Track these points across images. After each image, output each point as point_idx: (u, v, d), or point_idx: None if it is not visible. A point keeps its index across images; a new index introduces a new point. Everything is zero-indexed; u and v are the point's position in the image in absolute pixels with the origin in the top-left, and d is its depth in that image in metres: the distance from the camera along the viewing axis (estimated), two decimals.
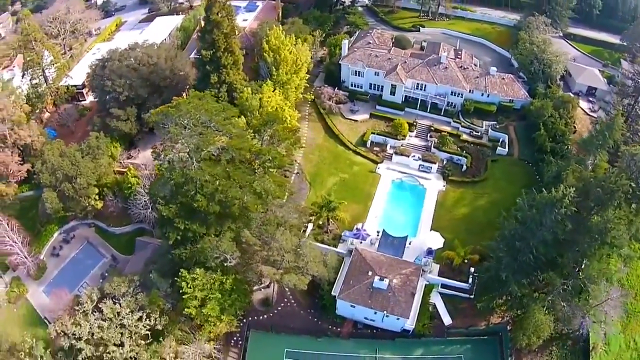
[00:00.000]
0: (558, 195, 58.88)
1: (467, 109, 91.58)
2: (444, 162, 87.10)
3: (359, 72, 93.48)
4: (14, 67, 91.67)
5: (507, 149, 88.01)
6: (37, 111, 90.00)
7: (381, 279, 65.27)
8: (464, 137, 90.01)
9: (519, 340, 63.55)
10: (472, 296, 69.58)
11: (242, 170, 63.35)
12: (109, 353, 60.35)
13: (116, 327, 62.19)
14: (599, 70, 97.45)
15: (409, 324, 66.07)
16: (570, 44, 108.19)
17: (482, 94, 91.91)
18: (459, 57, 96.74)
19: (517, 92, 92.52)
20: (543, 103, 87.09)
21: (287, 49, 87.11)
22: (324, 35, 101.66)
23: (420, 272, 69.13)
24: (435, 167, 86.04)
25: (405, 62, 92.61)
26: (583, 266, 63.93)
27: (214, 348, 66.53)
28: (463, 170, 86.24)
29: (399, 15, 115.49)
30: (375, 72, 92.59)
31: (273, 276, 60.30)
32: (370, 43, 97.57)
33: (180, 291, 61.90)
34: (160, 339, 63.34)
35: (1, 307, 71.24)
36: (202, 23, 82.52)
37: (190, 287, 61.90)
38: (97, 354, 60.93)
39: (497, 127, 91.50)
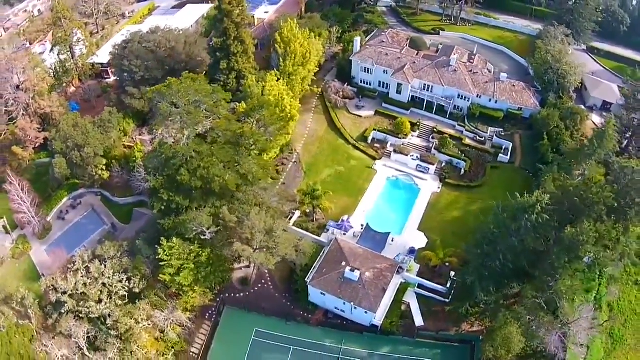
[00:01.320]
0: (531, 201, 57.82)
1: (473, 114, 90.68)
2: (443, 164, 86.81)
3: (368, 69, 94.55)
4: (45, 42, 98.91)
5: (509, 157, 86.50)
6: (64, 85, 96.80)
7: (352, 270, 66.24)
8: (467, 141, 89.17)
9: (486, 352, 62.03)
10: (448, 300, 69.04)
11: (226, 150, 66.14)
12: (87, 307, 64.59)
13: (98, 285, 66.53)
14: (619, 86, 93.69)
15: (377, 318, 66.71)
16: (593, 57, 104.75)
17: (490, 100, 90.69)
18: (472, 61, 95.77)
19: (526, 100, 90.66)
20: (549, 112, 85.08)
21: (299, 42, 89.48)
22: (341, 31, 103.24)
23: (395, 269, 69.48)
24: (433, 168, 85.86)
25: (415, 62, 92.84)
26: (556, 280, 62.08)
27: (189, 319, 69.93)
28: (461, 174, 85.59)
29: (421, 17, 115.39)
30: (384, 71, 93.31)
31: (243, 253, 62.69)
32: (383, 42, 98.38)
33: (157, 257, 65.48)
34: (137, 301, 67.19)
35: (5, 262, 77.20)
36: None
37: (167, 255, 65.31)
38: (79, 308, 65.43)
39: (503, 134, 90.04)
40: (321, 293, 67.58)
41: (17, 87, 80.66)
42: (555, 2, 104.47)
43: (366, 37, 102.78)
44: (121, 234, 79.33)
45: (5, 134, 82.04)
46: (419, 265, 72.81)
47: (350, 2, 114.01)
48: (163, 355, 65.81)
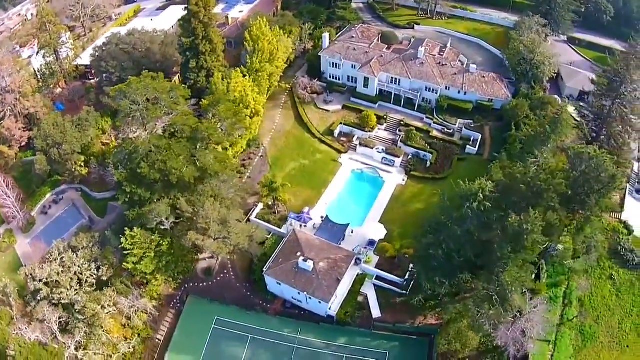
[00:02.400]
0: (474, 189, 58.23)
1: (442, 106, 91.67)
2: (409, 157, 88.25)
3: (336, 64, 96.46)
4: (34, 45, 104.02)
5: (476, 148, 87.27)
6: (51, 86, 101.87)
7: (305, 260, 68.54)
8: (434, 133, 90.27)
9: (440, 345, 62.32)
10: (406, 292, 69.84)
11: (183, 144, 69.52)
12: (59, 294, 68.95)
13: (70, 274, 70.80)
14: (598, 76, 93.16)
15: (332, 309, 68.82)
16: (573, 48, 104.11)
17: (459, 92, 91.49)
18: (442, 54, 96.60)
19: (497, 91, 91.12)
20: (518, 103, 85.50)
21: (267, 40, 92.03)
22: (313, 28, 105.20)
23: (351, 260, 71.36)
24: (398, 161, 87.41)
25: (382, 56, 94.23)
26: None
27: (154, 307, 73.78)
28: (427, 166, 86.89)
29: (397, 12, 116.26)
30: (352, 65, 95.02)
31: (196, 241, 66.02)
32: (353, 37, 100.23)
33: (120, 246, 69.48)
34: (104, 288, 71.33)
35: None
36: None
37: (130, 244, 69.20)
38: (52, 295, 69.86)
39: (472, 125, 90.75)
40: (277, 283, 70.30)
41: (3, 89, 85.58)
42: None
43: (338, 33, 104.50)
44: (97, 227, 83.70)
45: None
46: (378, 257, 74.55)
47: None
48: (126, 340, 69.64)
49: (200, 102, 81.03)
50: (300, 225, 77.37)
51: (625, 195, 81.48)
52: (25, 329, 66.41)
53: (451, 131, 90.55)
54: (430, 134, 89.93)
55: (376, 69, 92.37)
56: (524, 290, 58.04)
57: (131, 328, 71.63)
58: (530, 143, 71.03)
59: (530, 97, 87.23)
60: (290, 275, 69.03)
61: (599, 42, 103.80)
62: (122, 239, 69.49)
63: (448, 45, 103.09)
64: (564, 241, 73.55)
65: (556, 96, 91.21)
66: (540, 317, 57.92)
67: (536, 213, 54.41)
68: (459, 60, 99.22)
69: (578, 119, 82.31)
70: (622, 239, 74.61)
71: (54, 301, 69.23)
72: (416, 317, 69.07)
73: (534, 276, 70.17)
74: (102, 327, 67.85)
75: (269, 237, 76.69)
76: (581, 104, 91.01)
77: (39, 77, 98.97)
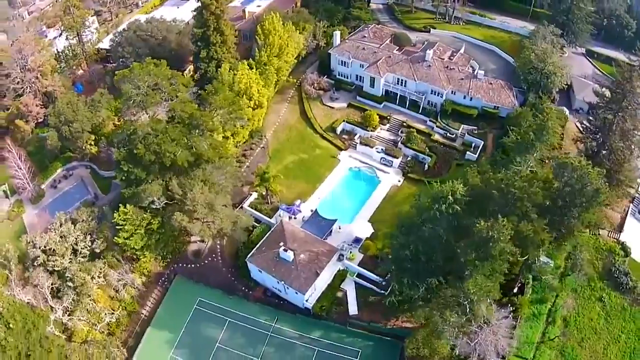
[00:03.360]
0: (445, 190, 57.81)
1: (446, 110, 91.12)
2: (408, 159, 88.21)
3: (345, 62, 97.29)
4: (60, 27, 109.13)
5: (477, 155, 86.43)
6: (73, 67, 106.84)
7: (286, 250, 69.73)
8: (436, 137, 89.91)
9: (408, 350, 60.96)
10: (384, 292, 69.27)
11: (178, 129, 71.98)
12: (54, 261, 72.52)
13: (66, 243, 74.32)
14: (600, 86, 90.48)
15: (309, 301, 69.59)
16: (590, 61, 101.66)
17: (465, 97, 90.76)
18: (451, 58, 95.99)
19: (504, 99, 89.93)
20: (522, 112, 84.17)
21: (278, 34, 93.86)
22: (328, 26, 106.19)
23: (333, 255, 72.07)
24: (397, 162, 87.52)
25: (390, 56, 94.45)
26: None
27: (143, 283, 76.70)
28: (425, 169, 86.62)
29: (415, 15, 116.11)
30: (361, 64, 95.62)
31: (181, 222, 68.30)
32: (365, 37, 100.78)
33: (112, 221, 72.60)
34: (96, 260, 74.64)
35: (2, 222, 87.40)
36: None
37: (122, 220, 72.19)
38: (48, 262, 73.54)
39: (476, 132, 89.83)
40: (259, 270, 71.81)
41: (24, 67, 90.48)
42: (550, 1, 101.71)
43: (351, 32, 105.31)
44: (100, 203, 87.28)
45: (11, 108, 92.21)
46: (362, 255, 74.91)
47: None
48: (113, 311, 72.56)
49: (200, 91, 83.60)
50: (290, 217, 78.68)
51: (626, 215, 79.43)
52: (19, 291, 70.24)
53: (453, 136, 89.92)
54: (432, 138, 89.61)
55: (383, 69, 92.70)
56: (490, 301, 56.03)
57: (118, 300, 74.68)
58: (515, 150, 68.95)
59: (536, 107, 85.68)
60: (271, 264, 70.37)
61: (618, 57, 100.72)
62: (115, 215, 72.58)
63: (461, 50, 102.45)
64: (554, 256, 72.41)
65: (564, 108, 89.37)
66: (506, 330, 56.09)
67: (504, 221, 52.83)
68: (470, 66, 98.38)
69: (581, 133, 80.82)
70: (618, 260, 72.49)
71: (49, 268, 72.69)
72: (390, 319, 68.78)
73: (516, 289, 69.56)
74: (89, 296, 71.01)
75: (258, 226, 78.35)
76: (589, 116, 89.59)
77: (61, 57, 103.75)
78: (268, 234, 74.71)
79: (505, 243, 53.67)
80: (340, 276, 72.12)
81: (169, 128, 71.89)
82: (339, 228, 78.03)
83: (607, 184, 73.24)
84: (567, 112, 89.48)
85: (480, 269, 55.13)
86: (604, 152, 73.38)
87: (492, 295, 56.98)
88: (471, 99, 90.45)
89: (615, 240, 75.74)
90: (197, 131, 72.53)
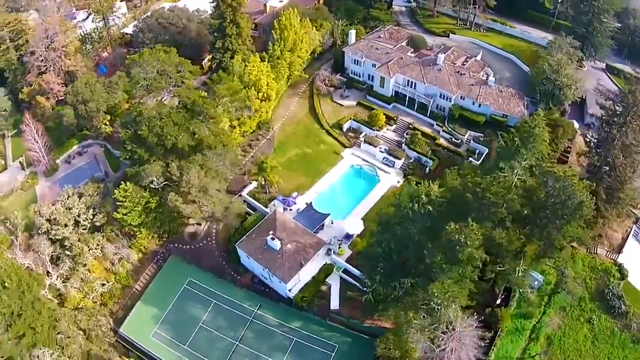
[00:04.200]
0: (420, 190, 57.42)
1: (453, 115, 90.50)
2: (410, 161, 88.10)
3: (358, 61, 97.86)
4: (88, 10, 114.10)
5: (480, 162, 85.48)
6: (99, 50, 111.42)
7: (273, 239, 70.91)
8: (441, 141, 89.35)
9: (379, 349, 59.29)
10: (368, 289, 67.35)
11: (181, 114, 74.33)
12: (56, 230, 75.97)
13: (69, 215, 77.71)
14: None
15: (291, 291, 70.49)
16: (610, 77, 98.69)
17: (474, 103, 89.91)
18: (464, 64, 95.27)
19: (513, 107, 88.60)
20: (527, 120, 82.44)
21: (293, 30, 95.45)
22: (346, 25, 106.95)
23: (320, 248, 72.63)
24: (399, 163, 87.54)
25: (402, 58, 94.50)
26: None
27: (138, 259, 79.44)
28: (426, 172, 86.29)
29: (436, 20, 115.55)
30: (373, 64, 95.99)
31: (175, 202, 70.53)
32: (380, 37, 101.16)
33: (112, 197, 75.54)
34: (96, 233, 77.77)
35: (15, 192, 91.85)
36: None
37: (122, 197, 75.03)
38: (51, 230, 77.08)
39: (482, 139, 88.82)
40: (247, 257, 73.30)
41: (48, 46, 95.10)
42: (573, 13, 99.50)
43: (369, 32, 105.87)
44: (108, 180, 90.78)
45: (34, 85, 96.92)
46: (351, 251, 75.27)
47: None
48: (106, 282, 75.48)
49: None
50: (285, 209, 79.89)
51: (628, 236, 76.70)
52: (21, 255, 73.92)
53: (459, 141, 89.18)
54: (437, 141, 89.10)
55: (393, 69, 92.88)
56: (456, 307, 54.13)
57: (113, 273, 77.61)
58: (501, 156, 64.60)
59: (544, 118, 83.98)
60: (258, 251, 71.69)
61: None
62: (115, 191, 75.46)
63: (478, 57, 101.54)
64: (546, 271, 70.25)
65: (574, 121, 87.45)
66: (474, 340, 54.55)
67: (472, 225, 51.48)
68: (485, 73, 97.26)
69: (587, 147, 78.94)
70: (612, 282, 70.11)
71: (51, 237, 76.26)
72: (369, 317, 68.57)
73: (499, 301, 68.23)
74: (84, 265, 74.16)
75: (253, 214, 79.92)
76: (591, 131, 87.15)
77: (87, 39, 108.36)
78: (261, 222, 76.14)
79: (474, 248, 51.98)
80: (326, 270, 72.69)
81: (172, 112, 74.35)
82: (332, 223, 78.70)
83: (607, 201, 72.60)
84: (577, 125, 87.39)
85: (448, 273, 53.66)
86: (605, 167, 71.18)
87: (459, 302, 55.12)
88: (480, 105, 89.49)
89: (612, 261, 73.26)
90: (199, 117, 74.63)
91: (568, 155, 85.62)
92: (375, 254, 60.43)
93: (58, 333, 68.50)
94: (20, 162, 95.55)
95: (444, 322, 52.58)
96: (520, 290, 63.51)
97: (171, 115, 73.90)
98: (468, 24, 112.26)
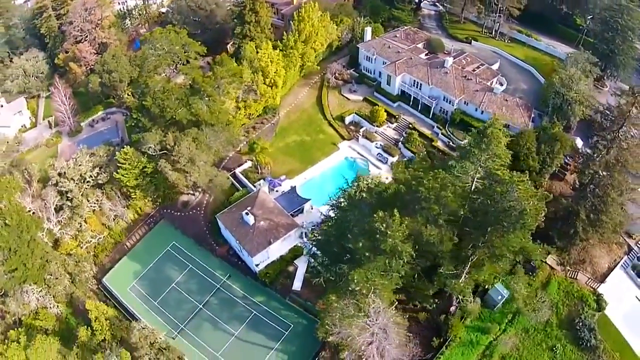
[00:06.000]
0: (365, 179, 57.77)
1: (454, 119, 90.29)
2: (404, 159, 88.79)
3: (370, 57, 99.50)
4: None
5: None
6: (138, 25, 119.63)
7: (247, 214, 74.32)
8: (438, 144, 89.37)
9: (318, 332, 57.44)
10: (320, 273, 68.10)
11: (182, 90, 79.70)
12: (63, 182, 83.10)
13: (77, 170, 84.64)
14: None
15: (258, 266, 73.55)
16: None
17: (477, 109, 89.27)
18: (475, 70, 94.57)
19: (516, 118, 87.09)
20: (524, 132, 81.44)
21: (310, 23, 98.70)
22: (367, 22, 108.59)
23: (292, 229, 75.16)
24: (392, 159, 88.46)
25: (411, 58, 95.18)
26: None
27: (133, 219, 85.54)
28: None
29: (462, 26, 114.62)
30: (383, 62, 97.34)
31: (164, 168, 75.78)
32: (396, 37, 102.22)
33: (115, 158, 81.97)
34: (97, 189, 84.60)
35: (40, 147, 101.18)
36: None
37: (123, 159, 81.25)
38: (59, 182, 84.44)
39: None
40: (225, 228, 77.25)
41: (86, 18, 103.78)
42: (598, 29, 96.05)
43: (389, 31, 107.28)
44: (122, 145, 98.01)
45: (69, 52, 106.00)
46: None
47: None
48: (99, 235, 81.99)
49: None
50: (270, 189, 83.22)
51: (615, 266, 72.78)
52: (29, 201, 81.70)
53: (455, 146, 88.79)
54: (433, 143, 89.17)
55: (400, 69, 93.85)
56: (375, 298, 53.05)
57: (108, 228, 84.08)
58: (461, 156, 59.88)
59: (545, 131, 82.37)
60: (234, 224, 75.41)
61: None
62: (117, 154, 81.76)
63: (495, 66, 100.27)
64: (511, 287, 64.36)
65: (577, 138, 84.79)
66: (395, 334, 54.05)
67: (395, 216, 49.93)
68: (498, 82, 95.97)
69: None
70: (587, 312, 66.64)
71: (59, 188, 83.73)
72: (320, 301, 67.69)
73: (453, 308, 67.00)
74: (81, 217, 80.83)
75: (241, 190, 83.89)
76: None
77: (127, 15, 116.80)
78: (244, 198, 79.93)
79: (398, 240, 50.43)
80: (295, 251, 75.10)
81: (174, 87, 79.75)
82: (312, 208, 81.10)
83: (589, 223, 69.21)
84: (578, 142, 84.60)
85: (373, 262, 52.54)
86: (591, 186, 68.91)
87: (382, 294, 54.04)
88: (482, 112, 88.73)
89: (592, 289, 69.73)
90: (198, 95, 79.47)
91: (566, 172, 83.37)
92: (321, 239, 62.09)
93: (48, 274, 75.54)
94: (48, 121, 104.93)
95: (366, 311, 52.05)
96: (462, 298, 61.23)
97: (173, 90, 79.25)
98: (493, 32, 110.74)
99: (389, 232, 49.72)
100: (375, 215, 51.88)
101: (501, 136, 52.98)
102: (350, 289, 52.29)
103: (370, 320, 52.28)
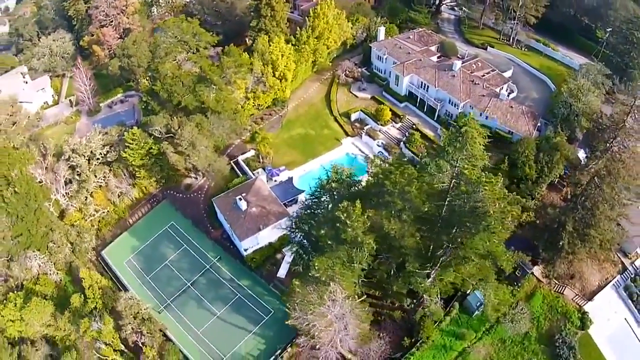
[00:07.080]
0: (337, 171, 58.34)
1: (458, 122, 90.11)
2: (405, 159, 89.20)
3: (381, 57, 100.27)
4: None
5: None
6: (165, 13, 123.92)
7: (240, 199, 76.48)
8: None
9: (290, 320, 57.99)
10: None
11: (190, 77, 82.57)
12: (74, 159, 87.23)
13: (88, 147, 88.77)
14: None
15: (247, 251, 75.62)
16: None
17: (481, 114, 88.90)
18: (484, 75, 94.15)
19: (521, 125, 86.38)
20: (525, 140, 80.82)
21: (324, 20, 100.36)
22: (384, 23, 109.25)
23: (283, 217, 75.98)
24: (392, 159, 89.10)
25: (420, 59, 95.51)
26: None
27: (137, 197, 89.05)
28: None
29: (480, 32, 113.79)
30: (394, 62, 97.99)
31: (166, 150, 78.86)
32: (409, 38, 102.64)
33: (122, 138, 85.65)
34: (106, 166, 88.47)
35: (59, 124, 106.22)
36: None
37: (130, 139, 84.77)
38: (71, 157, 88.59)
39: None
40: (220, 212, 79.69)
41: (111, 4, 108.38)
42: (614, 41, 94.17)
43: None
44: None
45: (94, 35, 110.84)
46: None
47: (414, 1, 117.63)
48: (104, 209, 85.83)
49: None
50: (268, 178, 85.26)
51: (606, 285, 71.12)
52: (41, 172, 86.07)
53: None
54: (434, 145, 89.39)
55: (409, 69, 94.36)
56: (335, 286, 53.48)
57: (113, 204, 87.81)
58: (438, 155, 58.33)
59: (548, 140, 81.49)
60: (227, 208, 77.79)
61: None
62: (125, 134, 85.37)
63: (508, 73, 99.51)
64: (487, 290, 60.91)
65: (579, 149, 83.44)
66: (355, 326, 54.58)
67: (356, 206, 50.28)
68: (510, 89, 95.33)
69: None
70: (569, 329, 65.44)
71: (70, 162, 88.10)
72: None
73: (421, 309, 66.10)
74: (87, 190, 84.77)
75: (241, 176, 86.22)
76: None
77: (154, 3, 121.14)
78: (242, 184, 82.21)
79: (359, 231, 51.02)
80: (283, 240, 76.59)
81: (182, 74, 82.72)
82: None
83: (576, 236, 67.63)
84: (581, 154, 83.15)
85: (336, 252, 53.24)
86: (582, 197, 67.68)
87: (342, 283, 54.29)
88: (487, 117, 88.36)
89: (577, 306, 68.35)
90: (205, 82, 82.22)
91: (565, 183, 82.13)
92: (298, 227, 63.95)
93: (51, 241, 79.67)
94: (70, 100, 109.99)
95: (325, 299, 52.70)
96: (427, 298, 60.52)
97: (181, 76, 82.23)
98: (510, 39, 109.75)
99: (348, 222, 50.30)
100: (339, 205, 52.49)
101: (476, 135, 52.45)
102: (310, 274, 53.38)
103: (327, 308, 52.92)
